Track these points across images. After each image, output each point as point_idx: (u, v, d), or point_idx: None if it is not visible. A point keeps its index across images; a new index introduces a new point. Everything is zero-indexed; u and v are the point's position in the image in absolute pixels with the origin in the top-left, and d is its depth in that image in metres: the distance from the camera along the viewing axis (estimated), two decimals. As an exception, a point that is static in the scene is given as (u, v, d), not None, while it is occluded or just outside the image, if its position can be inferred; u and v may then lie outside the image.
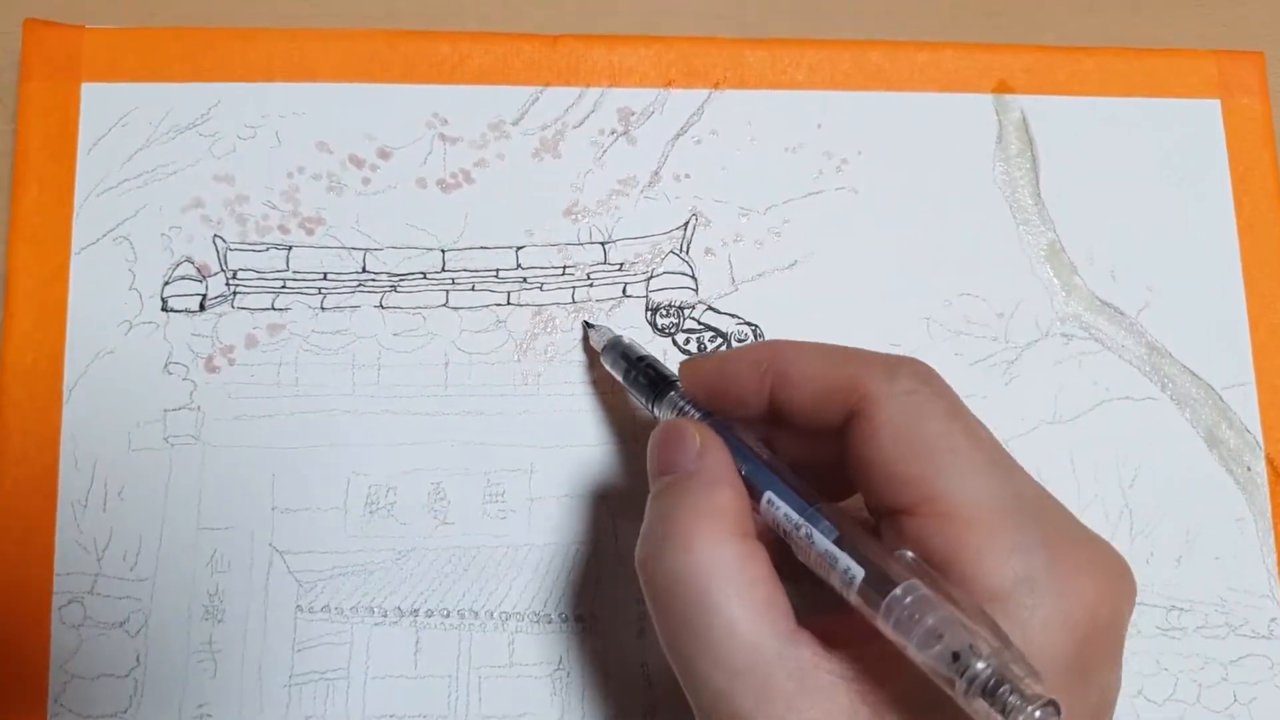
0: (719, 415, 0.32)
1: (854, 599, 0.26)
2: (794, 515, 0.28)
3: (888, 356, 0.29)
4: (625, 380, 0.35)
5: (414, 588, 0.36)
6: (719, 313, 0.39)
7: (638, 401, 0.35)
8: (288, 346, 0.38)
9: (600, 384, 0.38)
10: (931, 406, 0.28)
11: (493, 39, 0.40)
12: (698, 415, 0.32)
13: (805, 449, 0.31)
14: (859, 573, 0.26)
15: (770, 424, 0.31)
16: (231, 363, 0.37)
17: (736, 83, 0.40)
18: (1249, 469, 0.39)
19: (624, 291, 0.39)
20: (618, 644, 0.36)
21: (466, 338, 0.38)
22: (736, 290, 0.39)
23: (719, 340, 0.38)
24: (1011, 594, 0.25)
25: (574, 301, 0.38)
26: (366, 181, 0.39)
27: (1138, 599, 0.37)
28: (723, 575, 0.27)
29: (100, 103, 0.38)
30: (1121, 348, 0.39)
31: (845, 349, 0.30)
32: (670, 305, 0.39)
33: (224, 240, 0.38)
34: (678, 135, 0.40)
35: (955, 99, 0.41)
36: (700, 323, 0.39)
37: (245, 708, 0.36)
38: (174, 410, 0.37)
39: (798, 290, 0.39)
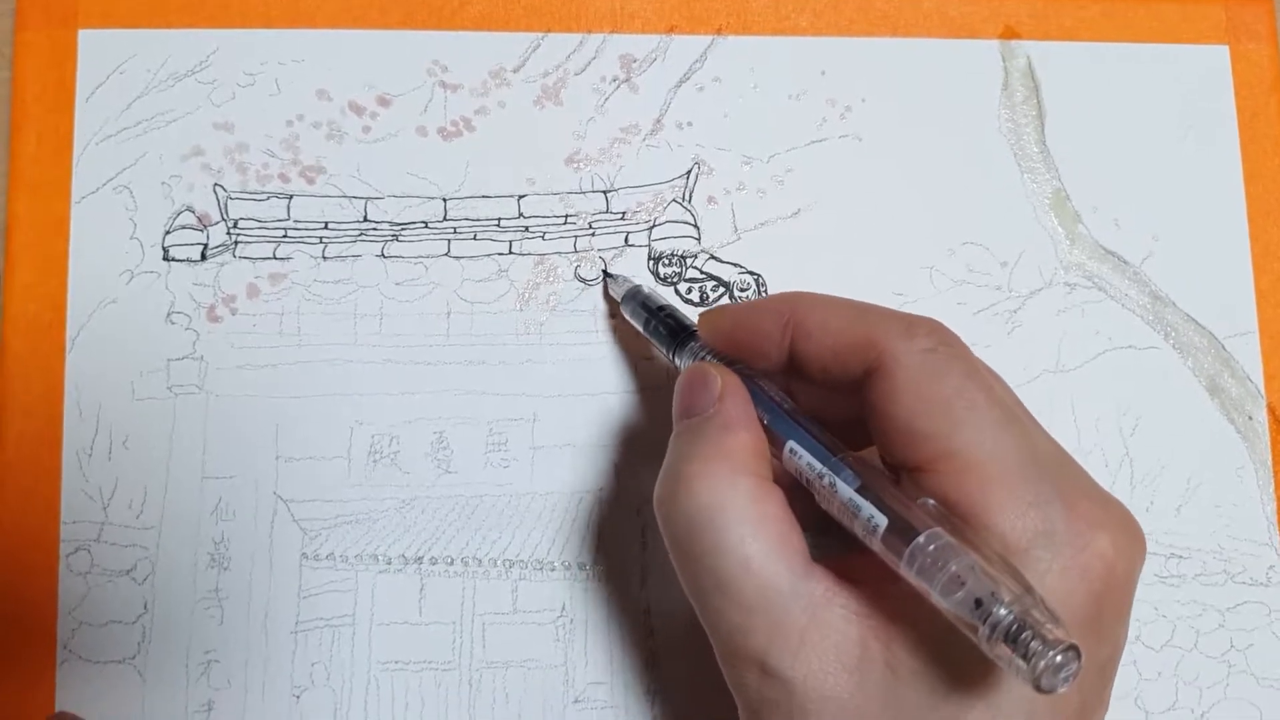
0: (739, 365, 0.32)
1: (878, 546, 0.26)
2: (817, 464, 0.28)
3: (907, 315, 0.29)
4: (645, 330, 0.35)
5: (418, 536, 0.37)
6: (721, 262, 0.39)
7: (659, 350, 0.35)
8: (290, 296, 0.38)
9: (617, 332, 0.38)
10: (949, 365, 0.28)
11: (493, -15, 0.39)
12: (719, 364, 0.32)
13: (824, 402, 0.31)
14: (882, 520, 0.26)
15: (790, 376, 0.31)
16: (234, 312, 0.37)
17: (739, 29, 0.40)
18: (1250, 418, 0.39)
19: (626, 240, 0.39)
20: (620, 591, 0.37)
21: (468, 287, 0.38)
22: (739, 239, 0.39)
23: (721, 289, 0.38)
24: (1030, 547, 0.26)
25: (576, 250, 0.38)
26: (367, 130, 0.38)
27: (1138, 547, 0.38)
28: (737, 513, 0.28)
29: (97, 50, 0.38)
30: (1125, 296, 0.39)
31: (865, 305, 0.30)
32: (673, 254, 0.39)
33: (224, 189, 0.38)
34: (680, 82, 0.39)
35: (960, 45, 0.40)
36: (703, 272, 0.38)
37: (252, 654, 0.36)
38: (177, 360, 0.37)
39: (801, 239, 0.39)
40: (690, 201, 0.39)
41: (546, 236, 0.38)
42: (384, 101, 0.39)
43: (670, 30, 0.40)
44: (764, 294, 0.38)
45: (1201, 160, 0.40)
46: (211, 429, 0.37)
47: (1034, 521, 0.26)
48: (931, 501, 0.26)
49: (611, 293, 0.38)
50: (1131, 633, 0.37)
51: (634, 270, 0.38)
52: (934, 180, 0.40)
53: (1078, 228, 0.40)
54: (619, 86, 0.39)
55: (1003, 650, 0.23)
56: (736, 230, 0.39)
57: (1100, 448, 0.38)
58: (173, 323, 0.37)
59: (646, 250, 0.39)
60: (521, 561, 0.37)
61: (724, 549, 0.27)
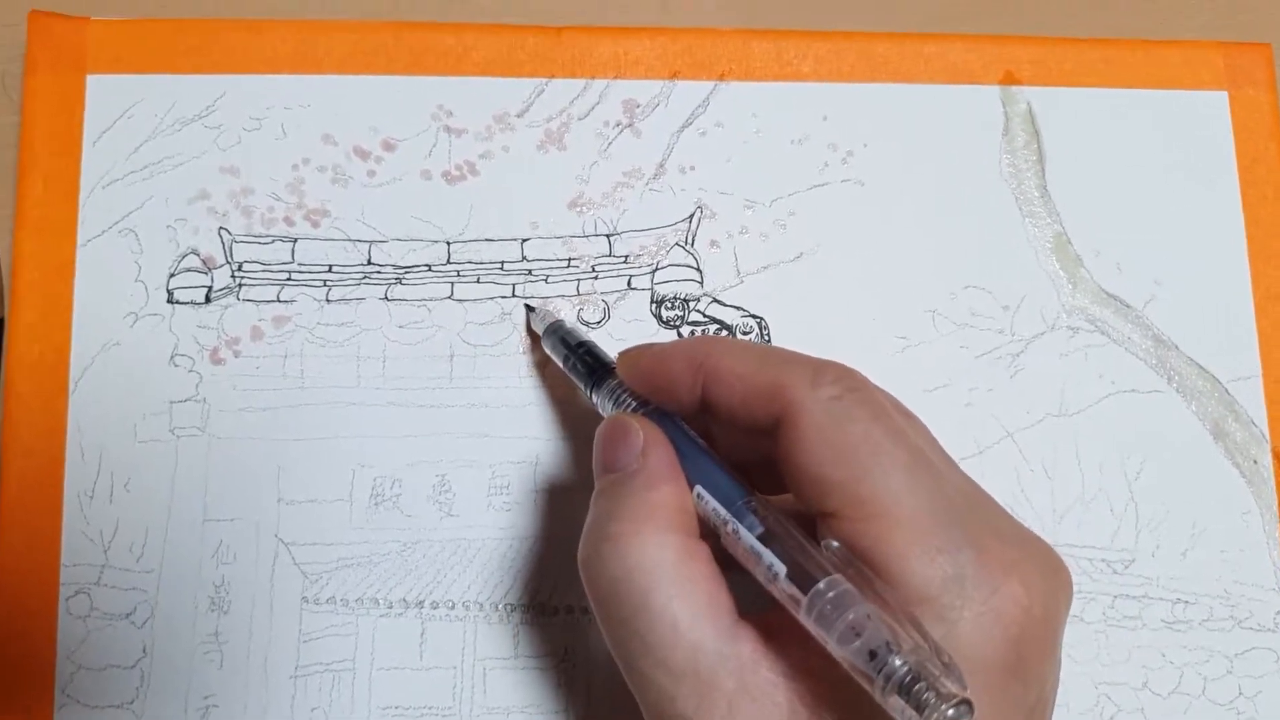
0: (654, 407, 0.32)
1: (779, 594, 0.26)
2: (721, 510, 0.28)
3: (813, 361, 0.29)
4: (564, 365, 0.35)
5: (419, 579, 0.36)
6: (724, 305, 0.39)
7: (577, 387, 0.35)
8: (293, 339, 0.38)
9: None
10: (854, 411, 0.27)
11: (497, 31, 0.40)
12: (634, 404, 0.32)
13: (744, 445, 0.31)
14: (781, 568, 0.26)
15: (708, 418, 0.31)
16: (237, 355, 0.37)
17: (742, 74, 0.40)
18: (1255, 462, 0.39)
19: (629, 284, 0.39)
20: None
21: (472, 330, 0.38)
22: (742, 283, 0.39)
23: (724, 333, 0.38)
24: (940, 594, 0.25)
25: (579, 294, 0.38)
26: (372, 174, 0.39)
27: (1145, 592, 0.38)
28: (663, 575, 0.27)
29: (105, 95, 0.38)
30: (1128, 340, 0.39)
31: (775, 351, 0.30)
32: (675, 298, 0.39)
33: (229, 232, 0.38)
34: (683, 127, 0.40)
35: (961, 91, 0.41)
36: (705, 315, 0.39)
37: (251, 699, 0.36)
38: (180, 402, 0.37)
39: (803, 283, 0.39)
40: (693, 245, 0.39)
41: (549, 280, 0.38)
42: (389, 146, 0.39)
43: (673, 76, 0.40)
44: (767, 338, 0.38)
45: (1202, 205, 0.40)
46: (213, 471, 0.37)
47: (943, 568, 0.25)
48: (836, 543, 0.26)
49: (533, 326, 0.37)
50: (1139, 679, 0.37)
51: (637, 313, 0.38)
52: (936, 224, 0.40)
53: (1080, 272, 0.40)
54: (622, 131, 0.40)
55: (896, 701, 0.23)
56: (739, 274, 0.39)
57: (1105, 492, 0.38)
58: (176, 365, 0.37)
59: (649, 294, 0.39)
60: (524, 605, 0.37)
61: (651, 612, 0.27)
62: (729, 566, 0.28)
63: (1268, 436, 0.39)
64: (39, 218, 0.38)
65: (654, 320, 0.38)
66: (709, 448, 0.30)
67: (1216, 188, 0.41)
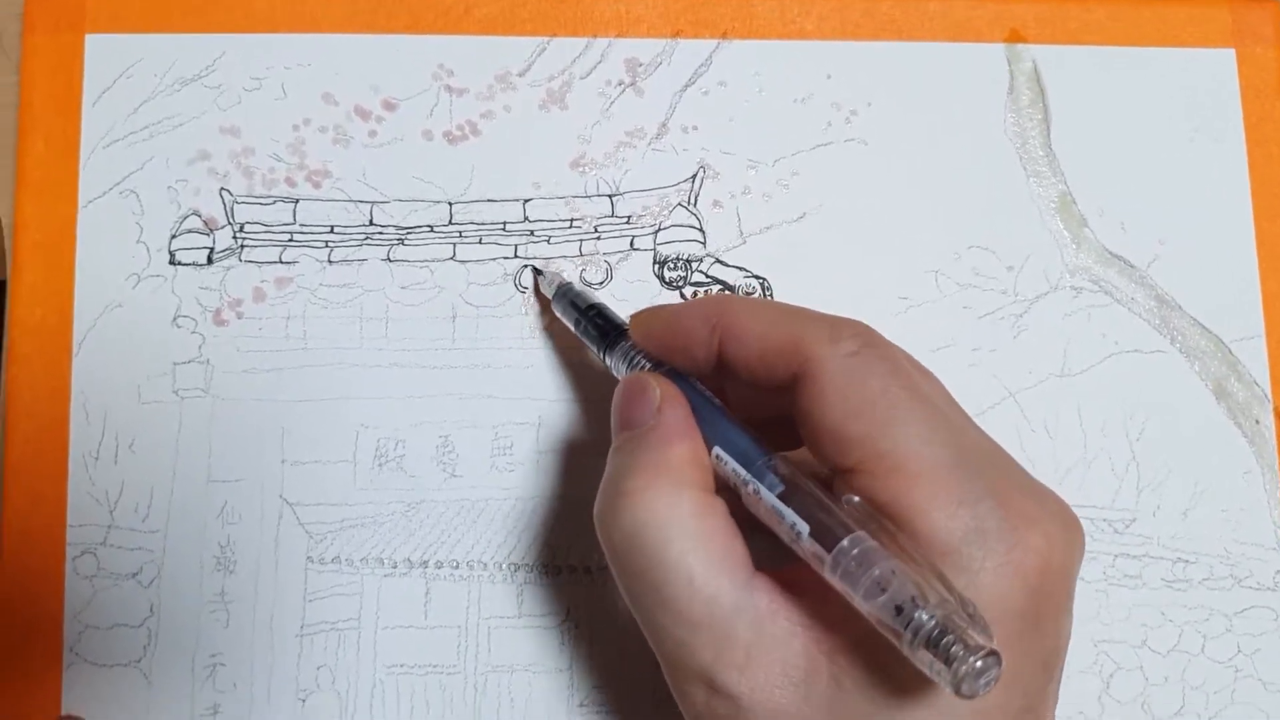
0: (669, 368, 0.32)
1: (802, 552, 0.26)
2: (741, 470, 0.28)
3: (830, 318, 0.29)
4: (576, 329, 0.35)
5: (423, 539, 0.37)
6: (727, 265, 0.39)
7: (590, 350, 0.35)
8: (295, 300, 0.38)
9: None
10: (873, 366, 0.28)
11: (499, -11, 0.39)
12: (649, 366, 0.32)
13: (758, 403, 0.31)
14: (804, 527, 0.26)
15: (723, 377, 0.31)
16: (240, 316, 0.37)
17: (745, 33, 0.40)
18: (1257, 422, 0.39)
19: (631, 244, 0.39)
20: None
21: (474, 291, 0.38)
22: (744, 243, 0.39)
23: (727, 294, 0.38)
24: (961, 546, 0.25)
25: (581, 254, 0.38)
26: (373, 134, 0.38)
27: (1145, 552, 0.38)
28: (678, 528, 0.27)
29: (104, 55, 0.38)
30: (1131, 300, 0.39)
31: (792, 309, 0.30)
32: (678, 258, 0.39)
33: (230, 193, 0.38)
34: (685, 86, 0.39)
35: (966, 49, 0.40)
36: (708, 275, 0.38)
37: (257, 658, 0.36)
38: (183, 363, 0.37)
39: (806, 243, 0.39)
40: (696, 205, 0.39)
41: (552, 240, 0.38)
42: (390, 106, 0.39)
43: (676, 34, 0.40)
44: (770, 297, 0.38)
45: (1207, 164, 0.40)
46: (217, 432, 0.37)
47: (965, 520, 0.26)
48: (857, 499, 0.26)
49: (542, 289, 0.37)
50: (1139, 637, 0.37)
51: (640, 274, 0.38)
52: (939, 184, 0.39)
53: (1084, 231, 0.40)
54: (624, 90, 0.39)
55: (924, 655, 0.23)
56: (742, 234, 0.39)
57: (1106, 452, 0.38)
58: (179, 326, 0.37)
59: (652, 254, 0.39)
60: (527, 565, 0.37)
61: (667, 565, 0.27)
62: (749, 525, 0.29)
63: (1270, 396, 0.39)
64: (40, 179, 0.37)
65: (657, 281, 0.38)
66: (725, 408, 0.30)
67: (1222, 146, 0.40)
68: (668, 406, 0.30)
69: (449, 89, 0.39)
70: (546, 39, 0.39)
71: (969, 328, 0.39)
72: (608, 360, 0.34)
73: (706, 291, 0.38)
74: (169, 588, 0.36)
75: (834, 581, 0.25)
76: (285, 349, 0.37)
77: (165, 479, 0.36)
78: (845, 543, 0.25)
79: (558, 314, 0.36)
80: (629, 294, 0.38)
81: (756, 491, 0.28)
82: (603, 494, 0.29)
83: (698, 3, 0.40)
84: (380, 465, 0.37)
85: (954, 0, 0.40)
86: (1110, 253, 0.40)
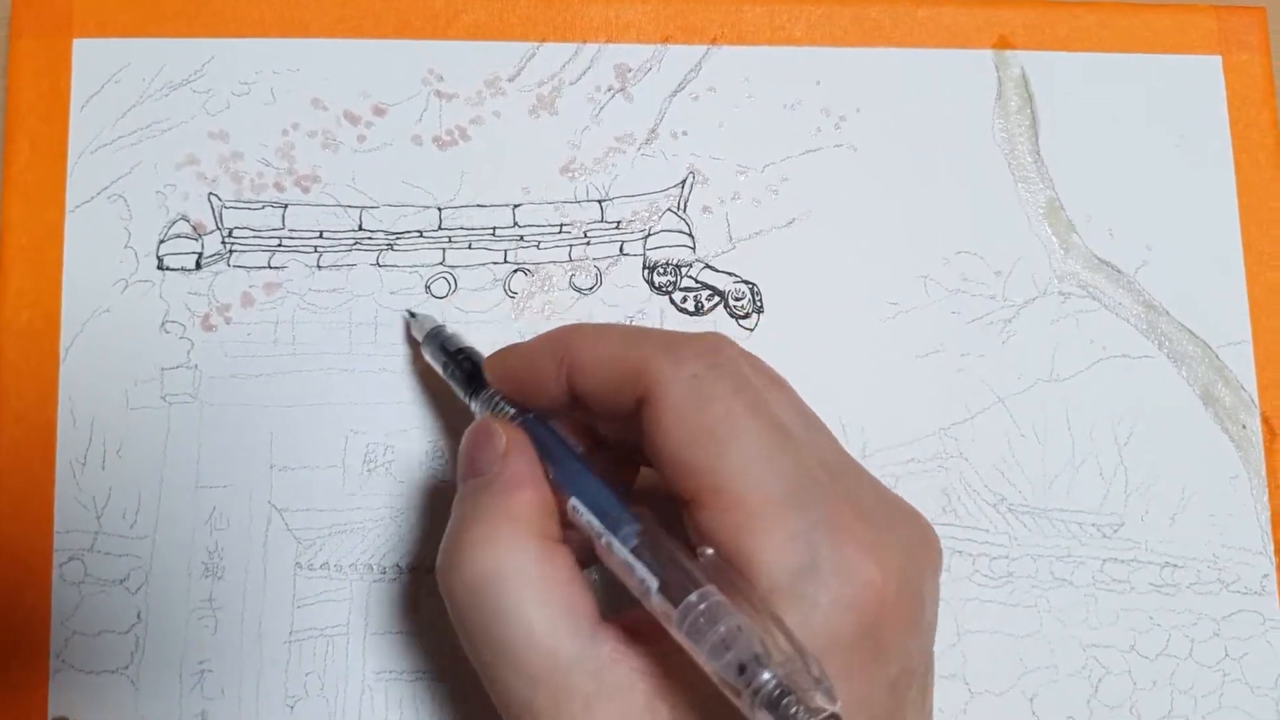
0: (531, 408, 0.31)
1: (651, 608, 0.26)
2: (595, 522, 0.28)
3: (674, 337, 0.28)
4: (444, 373, 0.34)
5: (412, 545, 0.37)
6: (716, 271, 0.39)
7: (457, 395, 0.34)
8: (284, 305, 0.37)
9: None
10: (714, 388, 0.27)
11: (488, -6, 0.39)
12: (512, 412, 0.31)
13: (623, 433, 0.30)
14: (653, 582, 0.26)
15: (584, 411, 0.30)
16: (228, 321, 0.37)
17: (734, 39, 0.40)
18: (1244, 427, 0.39)
19: (621, 250, 0.39)
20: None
21: (463, 296, 0.38)
22: (734, 248, 0.39)
23: (716, 299, 0.38)
24: (793, 584, 0.25)
25: (571, 260, 0.38)
26: (362, 139, 0.38)
27: (1133, 556, 0.38)
28: (520, 579, 0.27)
29: (92, 59, 0.38)
30: (1119, 306, 0.39)
31: (636, 332, 0.29)
32: (668, 263, 0.39)
33: (219, 198, 0.38)
34: (675, 92, 0.40)
35: (954, 55, 0.40)
36: (698, 281, 0.39)
37: (245, 664, 0.36)
38: (171, 369, 0.37)
39: (795, 248, 0.39)
40: (685, 211, 0.39)
41: (541, 246, 0.38)
42: (379, 110, 0.39)
43: (665, 40, 0.40)
44: (759, 304, 0.38)
45: (1194, 170, 0.40)
46: (205, 438, 0.37)
47: (796, 556, 0.25)
48: (710, 552, 0.26)
49: (413, 333, 0.37)
50: (1127, 642, 0.37)
51: (630, 279, 0.38)
52: (928, 190, 0.40)
53: (1072, 237, 0.40)
54: (614, 96, 0.39)
55: (764, 717, 0.22)
56: (731, 239, 0.39)
57: (1095, 457, 0.38)
58: (167, 332, 0.37)
59: (641, 259, 0.39)
60: (516, 571, 0.37)
61: (506, 617, 0.26)
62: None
63: (1257, 401, 0.39)
64: (27, 183, 0.37)
65: (646, 286, 0.38)
66: (587, 453, 0.30)
67: (1209, 153, 0.40)
68: (513, 453, 0.29)
69: (438, 94, 0.39)
70: (536, 44, 0.39)
71: (958, 333, 0.39)
72: (473, 405, 0.33)
73: (696, 297, 0.38)
74: (157, 594, 0.36)
75: (680, 639, 0.25)
76: (274, 354, 0.37)
77: (153, 485, 0.36)
78: (693, 597, 0.24)
79: (427, 358, 0.35)
80: (619, 299, 0.38)
81: (609, 545, 0.27)
82: (444, 546, 0.29)
83: (687, 9, 0.40)
84: (369, 471, 0.37)
85: (942, 6, 0.41)
86: (1098, 258, 0.40)
